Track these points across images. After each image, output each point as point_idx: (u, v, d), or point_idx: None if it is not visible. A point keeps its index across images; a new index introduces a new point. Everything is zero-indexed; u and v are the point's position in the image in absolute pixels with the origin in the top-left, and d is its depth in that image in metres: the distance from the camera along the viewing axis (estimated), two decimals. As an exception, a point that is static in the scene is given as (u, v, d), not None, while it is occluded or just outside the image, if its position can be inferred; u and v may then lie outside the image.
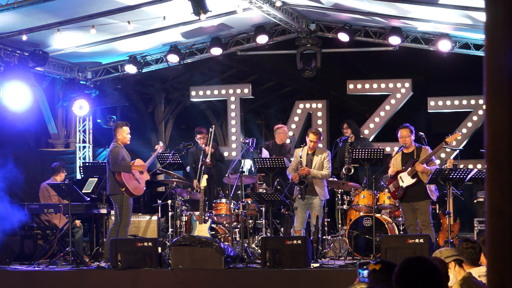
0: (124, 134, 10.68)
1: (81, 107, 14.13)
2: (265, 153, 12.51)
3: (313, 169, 10.68)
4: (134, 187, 10.56)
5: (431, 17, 11.93)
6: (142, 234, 11.48)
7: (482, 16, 10.52)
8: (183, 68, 14.84)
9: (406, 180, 10.20)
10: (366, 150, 11.34)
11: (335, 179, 11.80)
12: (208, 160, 11.84)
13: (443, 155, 13.38)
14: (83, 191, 11.69)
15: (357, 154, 11.30)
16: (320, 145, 11.20)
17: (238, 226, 11.16)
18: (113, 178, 10.54)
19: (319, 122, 14.38)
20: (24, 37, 11.58)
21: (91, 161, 14.43)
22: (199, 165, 12.14)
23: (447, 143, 10.26)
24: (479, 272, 5.64)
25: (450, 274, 5.47)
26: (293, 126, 14.51)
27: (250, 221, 11.68)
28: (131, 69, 13.87)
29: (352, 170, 11.92)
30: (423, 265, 3.32)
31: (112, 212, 11.78)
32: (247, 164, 13.28)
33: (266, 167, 11.59)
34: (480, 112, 13.58)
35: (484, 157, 2.99)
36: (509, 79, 2.40)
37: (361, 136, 13.29)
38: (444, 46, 12.68)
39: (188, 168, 12.94)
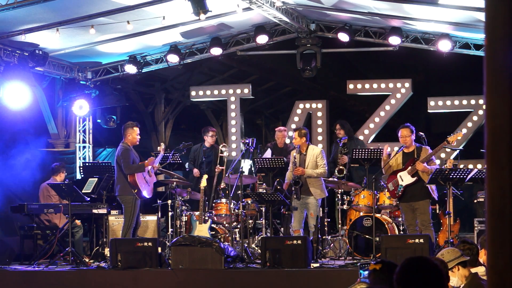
0: (134, 134, 10.66)
1: (81, 107, 14.13)
2: (269, 152, 12.52)
3: (307, 168, 10.67)
4: (145, 189, 10.55)
5: (431, 17, 11.92)
6: (142, 234, 11.48)
7: (482, 16, 10.52)
8: (183, 68, 14.84)
9: (406, 179, 10.19)
10: (366, 150, 11.34)
11: (335, 179, 11.80)
12: (222, 185, 11.92)
13: (443, 155, 13.38)
14: (83, 191, 11.69)
15: (357, 154, 11.30)
16: (320, 145, 11.18)
17: (238, 226, 11.16)
18: (124, 180, 10.48)
19: (319, 122, 14.38)
20: (24, 37, 11.58)
21: (91, 161, 14.43)
22: (199, 162, 12.24)
23: (449, 142, 10.24)
24: (479, 272, 5.65)
25: (454, 277, 5.47)
26: (293, 126, 14.48)
27: (250, 221, 11.68)
28: (131, 69, 13.87)
29: (344, 172, 11.92)
30: (425, 265, 3.32)
31: (113, 212, 11.79)
32: (247, 164, 13.28)
33: (266, 167, 11.60)
34: (480, 112, 13.58)
35: (484, 157, 2.99)
36: (509, 79, 2.40)
37: (355, 136, 13.27)
38: (444, 46, 12.67)
39: (187, 165, 12.96)
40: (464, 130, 13.55)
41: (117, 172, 10.61)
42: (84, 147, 14.85)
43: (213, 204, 11.54)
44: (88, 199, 11.61)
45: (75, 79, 14.17)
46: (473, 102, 13.75)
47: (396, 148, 12.46)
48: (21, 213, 11.85)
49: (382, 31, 13.15)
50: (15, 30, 11.57)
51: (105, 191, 11.93)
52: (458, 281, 5.51)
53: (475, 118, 13.68)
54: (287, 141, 13.56)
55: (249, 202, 11.45)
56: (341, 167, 12.02)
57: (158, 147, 11.47)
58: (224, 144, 12.94)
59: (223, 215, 11.28)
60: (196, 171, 12.50)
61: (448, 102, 13.90)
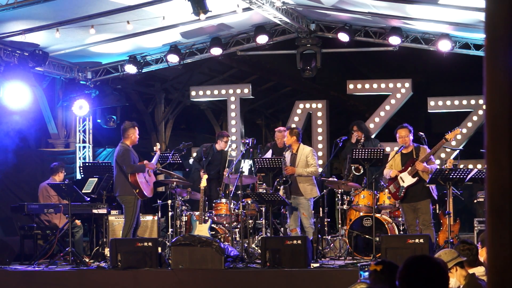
0: (136, 134, 10.70)
1: (81, 107, 14.13)
2: (270, 153, 12.53)
3: (297, 167, 10.66)
4: (146, 188, 10.56)
5: (431, 17, 11.93)
6: (142, 234, 11.49)
7: (482, 16, 10.51)
8: (183, 68, 14.83)
9: (406, 180, 10.19)
10: (366, 150, 11.34)
11: (335, 179, 11.79)
12: (231, 188, 11.94)
13: (443, 155, 13.38)
14: (83, 191, 11.68)
15: (357, 154, 11.30)
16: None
17: (238, 226, 11.16)
18: (124, 180, 10.47)
19: (319, 122, 14.38)
20: (24, 37, 11.58)
21: (91, 161, 14.42)
22: (204, 163, 12.30)
23: (447, 140, 10.25)
24: (477, 273, 5.65)
25: (452, 278, 5.47)
26: (293, 126, 14.48)
27: (250, 221, 11.68)
28: (131, 69, 13.87)
29: (362, 170, 11.94)
30: (428, 263, 3.33)
31: (113, 212, 11.79)
32: (247, 164, 13.28)
33: (266, 167, 11.60)
34: (480, 112, 13.58)
35: (484, 157, 2.99)
36: (509, 79, 2.40)
37: (371, 137, 13.21)
38: (444, 46, 12.67)
39: (190, 161, 12.93)
40: (464, 130, 13.55)
41: (117, 172, 10.61)
42: (84, 147, 14.85)
43: (213, 204, 11.55)
44: (88, 199, 11.61)
45: (75, 79, 14.17)
46: (473, 102, 13.75)
47: (396, 148, 12.47)
48: (21, 213, 11.84)
49: (382, 31, 13.15)
50: (15, 30, 11.57)
51: (105, 191, 11.93)
52: (456, 281, 5.51)
53: (475, 118, 13.68)
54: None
55: (249, 202, 11.45)
56: (358, 165, 12.01)
57: (154, 147, 11.45)
58: (233, 148, 12.94)
59: (223, 215, 11.28)
60: (202, 173, 12.41)
61: (448, 102, 13.90)
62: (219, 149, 12.67)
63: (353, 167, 11.97)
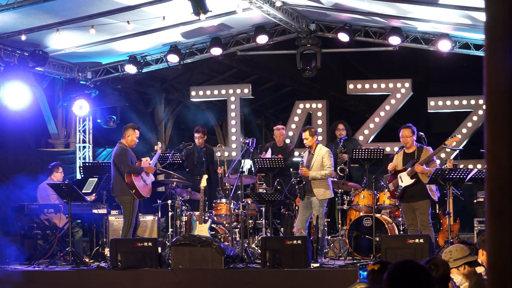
0: (134, 137, 10.64)
1: (81, 107, 14.13)
2: (269, 153, 12.52)
3: (312, 168, 10.56)
4: (143, 189, 10.54)
5: (431, 17, 11.92)
6: (142, 234, 11.49)
7: (482, 16, 10.52)
8: (183, 68, 14.83)
9: (405, 180, 10.20)
10: (366, 150, 11.35)
11: (336, 179, 11.79)
12: (227, 185, 11.96)
13: (443, 155, 13.38)
14: (83, 191, 11.68)
15: (357, 154, 11.30)
16: (323, 147, 11.13)
17: (238, 226, 11.16)
18: (121, 180, 10.47)
19: (319, 122, 14.38)
20: (24, 37, 11.58)
21: (91, 161, 14.42)
22: (194, 162, 12.25)
23: (446, 146, 10.26)
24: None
25: (459, 275, 5.45)
26: (293, 126, 14.50)
27: (250, 221, 11.68)
28: (131, 69, 13.87)
29: (346, 171, 11.92)
30: (411, 269, 3.35)
31: (113, 212, 11.79)
32: (247, 164, 13.28)
33: (266, 167, 11.59)
34: (480, 112, 13.58)
35: (484, 157, 2.99)
36: (509, 79, 2.40)
37: (353, 137, 13.31)
38: (444, 46, 12.67)
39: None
40: (464, 130, 13.56)
41: (114, 172, 10.60)
42: (84, 147, 14.85)
43: (213, 204, 11.55)
44: (88, 199, 11.60)
45: (75, 79, 14.17)
46: (473, 102, 13.75)
47: (396, 148, 12.48)
48: (21, 213, 11.84)
49: (382, 31, 13.15)
50: (15, 30, 11.57)
51: (105, 191, 11.93)
52: (462, 279, 5.49)
53: (475, 118, 13.68)
54: (287, 141, 13.56)
55: (249, 202, 11.45)
56: (342, 166, 12.02)
57: (156, 146, 11.46)
58: (220, 144, 12.90)
59: (223, 215, 11.28)
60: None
61: (448, 102, 13.90)
62: (201, 146, 12.71)
63: (338, 168, 11.95)
